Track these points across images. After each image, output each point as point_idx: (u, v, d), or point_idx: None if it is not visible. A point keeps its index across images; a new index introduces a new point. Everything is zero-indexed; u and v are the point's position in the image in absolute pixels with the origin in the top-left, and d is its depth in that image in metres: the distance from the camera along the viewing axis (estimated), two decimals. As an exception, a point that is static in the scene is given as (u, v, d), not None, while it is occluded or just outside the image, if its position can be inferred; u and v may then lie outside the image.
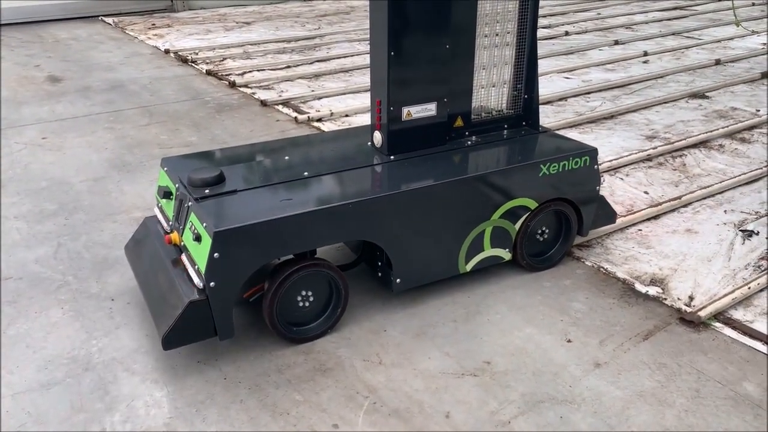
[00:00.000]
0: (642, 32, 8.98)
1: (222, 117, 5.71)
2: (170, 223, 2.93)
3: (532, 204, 3.12)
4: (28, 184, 4.36)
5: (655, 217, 3.91)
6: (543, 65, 7.24)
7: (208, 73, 7.09)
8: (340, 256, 3.39)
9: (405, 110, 3.04)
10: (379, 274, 3.03)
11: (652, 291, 3.17)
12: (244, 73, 7.09)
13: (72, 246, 3.59)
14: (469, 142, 3.27)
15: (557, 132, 3.66)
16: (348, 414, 2.44)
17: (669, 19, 9.93)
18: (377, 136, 3.14)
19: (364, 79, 6.61)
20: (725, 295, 3.08)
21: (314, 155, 3.19)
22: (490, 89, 3.33)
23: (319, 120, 5.59)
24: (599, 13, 10.35)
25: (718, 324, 2.94)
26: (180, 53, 7.84)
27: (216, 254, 2.44)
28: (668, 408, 2.46)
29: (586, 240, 3.61)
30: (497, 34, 3.21)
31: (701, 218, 3.90)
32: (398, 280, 2.93)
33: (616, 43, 8.35)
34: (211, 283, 2.48)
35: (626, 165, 4.61)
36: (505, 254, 3.17)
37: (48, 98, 6.21)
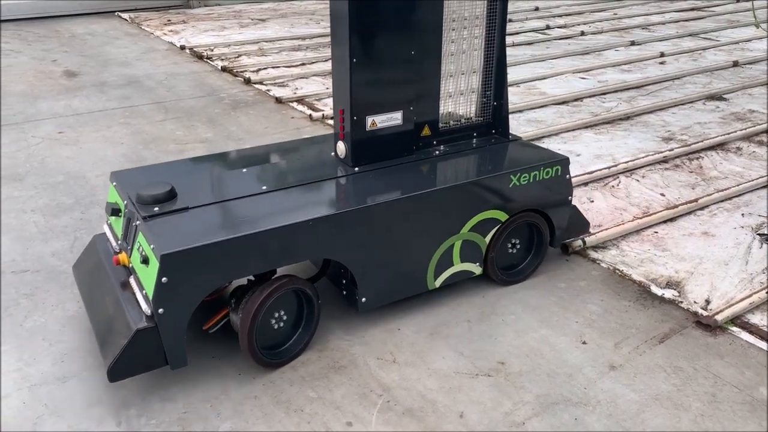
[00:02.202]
0: (659, 33, 8.91)
1: (237, 114, 5.73)
2: (119, 242, 2.75)
3: (503, 216, 3.00)
4: (44, 177, 4.39)
5: (672, 219, 3.88)
6: (559, 65, 7.22)
7: (224, 69, 7.11)
8: (300, 270, 3.14)
9: (369, 119, 2.90)
10: (344, 292, 2.90)
11: (668, 294, 3.15)
12: (259, 70, 7.10)
13: (88, 240, 3.61)
14: (437, 152, 3.15)
15: (530, 141, 3.54)
16: (362, 412, 2.44)
17: (686, 20, 9.85)
18: (341, 147, 2.99)
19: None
20: (742, 299, 3.05)
21: (274, 167, 3.05)
22: (458, 96, 3.21)
23: (333, 117, 5.59)
24: (616, 14, 10.29)
25: (735, 328, 2.91)
26: (195, 49, 7.87)
27: (164, 279, 2.28)
28: (684, 412, 2.44)
29: (602, 242, 3.58)
30: (465, 39, 3.09)
31: (718, 221, 3.87)
32: (364, 299, 2.79)
33: (633, 43, 8.29)
34: (160, 310, 2.31)
35: (642, 167, 4.58)
36: (476, 268, 3.06)
37: (65, 93, 6.25)
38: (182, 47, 8.10)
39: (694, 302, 3.09)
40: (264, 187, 2.77)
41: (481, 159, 3.15)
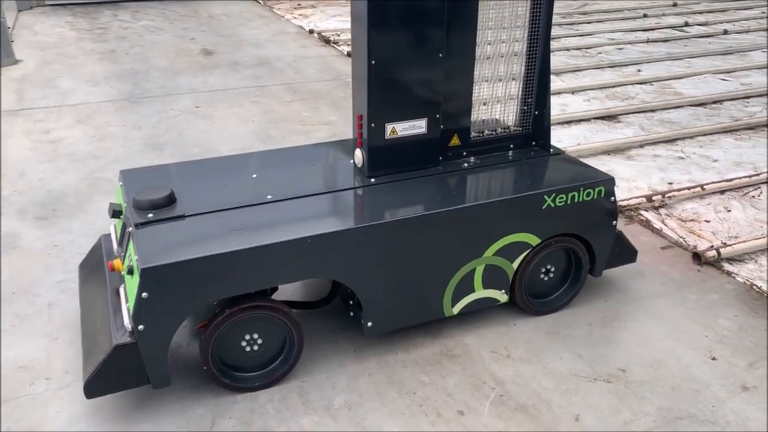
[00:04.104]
0: (813, 35, 8.17)
1: (361, 98, 5.82)
2: (117, 246, 2.59)
3: (534, 240, 2.70)
4: (182, 148, 4.67)
5: (820, 237, 3.56)
6: (697, 64, 6.81)
7: (349, 54, 7.24)
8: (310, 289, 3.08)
9: (389, 127, 2.66)
10: (351, 313, 2.67)
11: (813, 317, 2.90)
12: (384, 56, 7.18)
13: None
14: (466, 164, 2.86)
15: (573, 156, 3.17)
16: (474, 402, 2.43)
17: None
18: (358, 155, 2.77)
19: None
20: None
21: (286, 174, 2.83)
22: (494, 104, 2.92)
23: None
24: (764, 12, 9.53)
25: None
26: (323, 34, 8.07)
27: (144, 294, 2.12)
28: (826, 445, 2.25)
29: (738, 254, 3.35)
30: (503, 42, 2.80)
31: None
32: (369, 324, 2.56)
33: (783, 45, 7.66)
34: (140, 326, 2.16)
35: (788, 178, 4.23)
36: (501, 296, 2.77)
37: (201, 70, 6.61)
38: (311, 31, 8.33)
39: (843, 329, 2.83)
40: (269, 196, 2.58)
41: (513, 174, 2.85)
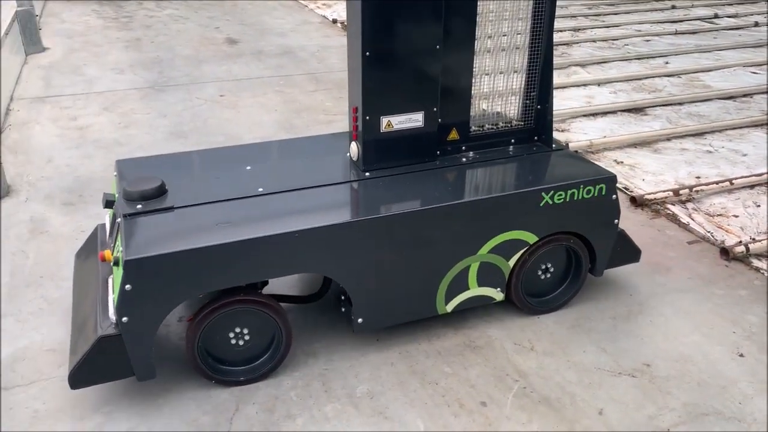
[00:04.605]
0: None
1: (384, 88, 5.80)
2: (108, 237, 2.60)
3: (531, 238, 2.64)
4: (207, 136, 4.70)
5: None
6: (727, 57, 6.69)
7: (373, 44, 7.22)
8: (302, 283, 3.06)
9: (384, 120, 2.60)
10: (342, 309, 2.64)
11: None
12: (407, 46, 7.14)
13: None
14: (464, 159, 2.80)
15: (577, 152, 3.09)
16: (496, 394, 2.43)
17: None
18: (353, 148, 2.71)
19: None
20: None
21: (281, 166, 2.80)
22: (495, 98, 2.85)
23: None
24: (796, 4, 9.33)
25: None
26: (346, 23, 8.04)
27: (128, 286, 2.12)
28: None
29: (767, 251, 3.30)
30: (505, 34, 2.71)
31: None
32: (360, 320, 2.53)
33: (815, 37, 7.49)
34: (124, 318, 2.15)
35: (820, 173, 4.15)
36: (496, 294, 2.72)
37: (226, 59, 6.63)
38: (334, 21, 8.32)
39: None
40: (260, 189, 2.54)
41: (512, 170, 2.77)
